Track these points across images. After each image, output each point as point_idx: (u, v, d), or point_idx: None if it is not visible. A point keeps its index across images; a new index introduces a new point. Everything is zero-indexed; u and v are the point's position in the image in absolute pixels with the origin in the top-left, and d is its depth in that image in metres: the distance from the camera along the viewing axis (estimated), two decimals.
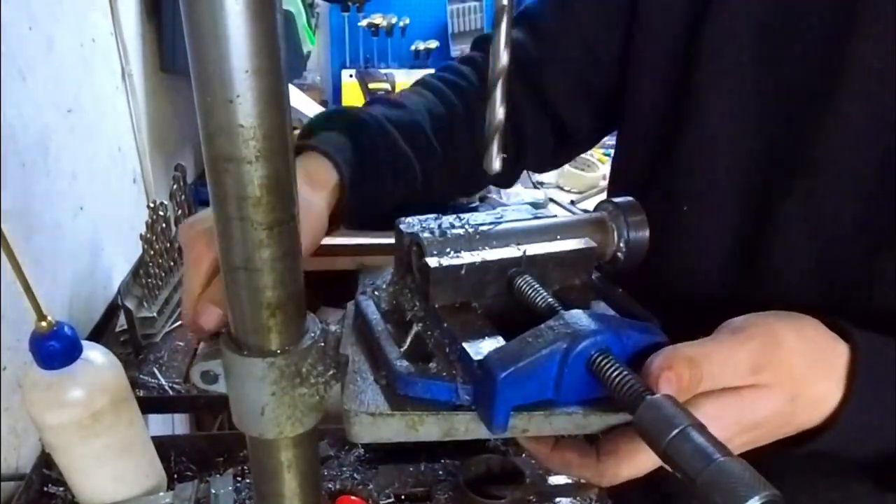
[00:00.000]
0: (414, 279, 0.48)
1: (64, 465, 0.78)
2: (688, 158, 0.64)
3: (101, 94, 1.33)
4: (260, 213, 0.34)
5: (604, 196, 0.57)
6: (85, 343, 0.73)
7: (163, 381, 1.10)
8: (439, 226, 0.48)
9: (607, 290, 0.50)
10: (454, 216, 0.49)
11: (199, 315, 0.44)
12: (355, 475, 0.89)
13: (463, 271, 0.45)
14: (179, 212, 1.28)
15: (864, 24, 0.53)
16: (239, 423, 0.42)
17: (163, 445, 0.88)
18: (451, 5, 2.82)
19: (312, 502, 0.47)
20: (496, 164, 0.42)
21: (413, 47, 2.86)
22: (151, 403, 1.08)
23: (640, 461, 0.43)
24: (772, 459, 0.43)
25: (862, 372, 0.46)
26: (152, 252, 1.17)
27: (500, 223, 0.49)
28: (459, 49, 2.80)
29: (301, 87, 2.63)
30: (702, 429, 0.34)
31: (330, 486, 0.88)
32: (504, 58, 0.38)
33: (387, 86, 2.74)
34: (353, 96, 2.80)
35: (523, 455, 0.89)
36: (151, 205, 1.18)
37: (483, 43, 0.78)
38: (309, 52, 2.32)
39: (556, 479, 0.87)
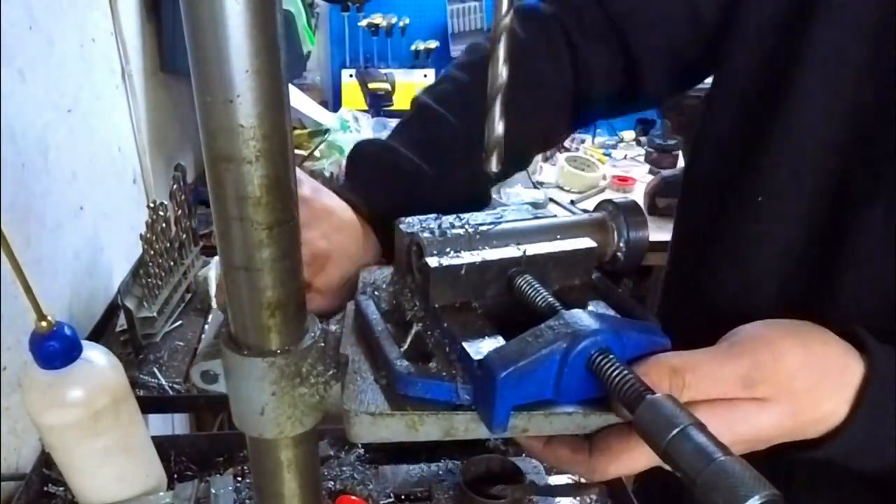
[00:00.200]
0: (414, 279, 0.48)
1: (64, 465, 0.78)
2: (780, 139, 0.61)
3: (100, 94, 1.33)
4: (260, 213, 0.34)
5: (604, 196, 0.57)
6: (85, 343, 0.73)
7: (163, 381, 1.10)
8: (439, 226, 0.48)
9: (607, 290, 0.50)
10: (454, 216, 0.49)
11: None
12: (355, 475, 0.89)
13: (463, 271, 0.45)
14: (179, 212, 1.28)
15: None
16: (239, 422, 0.42)
17: (163, 445, 0.87)
18: (451, 5, 2.83)
19: (312, 502, 0.47)
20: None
21: (413, 47, 2.86)
22: (151, 403, 1.08)
23: (631, 459, 0.43)
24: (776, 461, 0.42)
25: (875, 387, 0.45)
26: (152, 252, 1.17)
27: (500, 223, 0.49)
28: (459, 49, 2.80)
29: (301, 87, 2.64)
30: (702, 428, 0.34)
31: (330, 486, 0.88)
32: (503, 73, 0.38)
33: (387, 86, 2.74)
34: (353, 96, 2.80)
35: (523, 455, 0.89)
36: (151, 205, 1.18)
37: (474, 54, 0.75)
38: (309, 52, 2.32)
39: (556, 479, 0.87)
